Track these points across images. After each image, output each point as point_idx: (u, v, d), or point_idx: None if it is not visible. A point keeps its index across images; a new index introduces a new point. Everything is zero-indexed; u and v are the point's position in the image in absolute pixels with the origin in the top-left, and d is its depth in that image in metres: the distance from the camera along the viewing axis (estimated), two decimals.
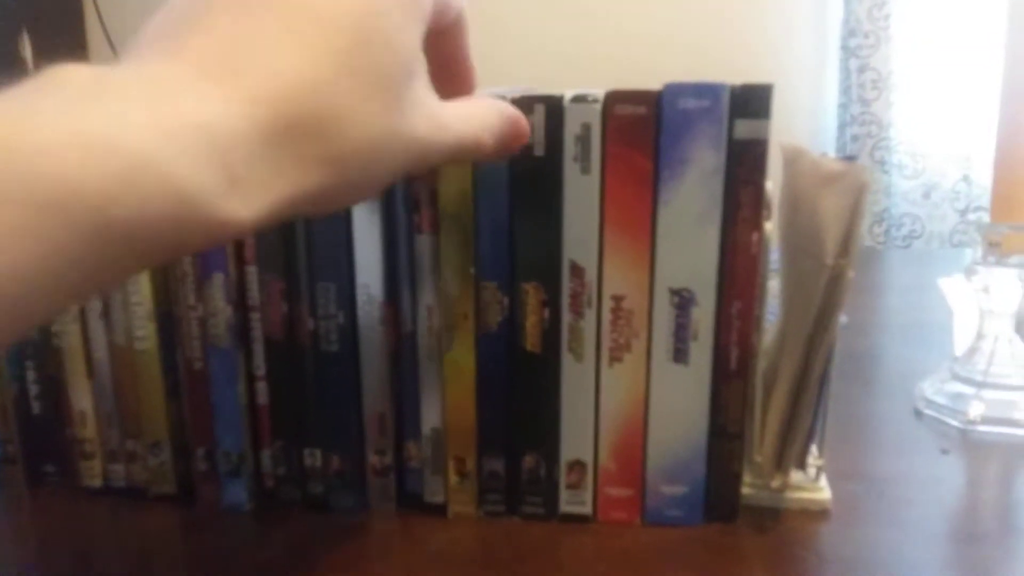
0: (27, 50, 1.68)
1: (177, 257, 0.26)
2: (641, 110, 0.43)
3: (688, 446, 0.48)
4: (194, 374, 0.50)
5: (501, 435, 0.49)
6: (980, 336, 0.65)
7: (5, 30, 1.65)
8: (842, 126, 1.76)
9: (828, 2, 1.77)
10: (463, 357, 0.48)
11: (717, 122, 0.43)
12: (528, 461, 0.49)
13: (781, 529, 0.49)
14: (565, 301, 0.46)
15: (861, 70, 1.69)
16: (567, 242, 0.45)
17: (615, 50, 1.77)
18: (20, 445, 0.54)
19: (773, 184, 0.46)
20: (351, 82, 0.28)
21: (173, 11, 0.29)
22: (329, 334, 0.48)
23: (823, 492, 0.51)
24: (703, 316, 0.45)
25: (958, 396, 0.64)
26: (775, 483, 0.49)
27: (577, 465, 0.49)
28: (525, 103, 0.44)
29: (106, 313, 0.50)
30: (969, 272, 0.63)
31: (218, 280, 0.48)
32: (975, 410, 0.62)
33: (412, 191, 0.46)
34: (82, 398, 0.52)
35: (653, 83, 0.44)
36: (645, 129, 0.43)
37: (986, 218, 0.57)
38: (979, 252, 0.62)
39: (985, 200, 1.63)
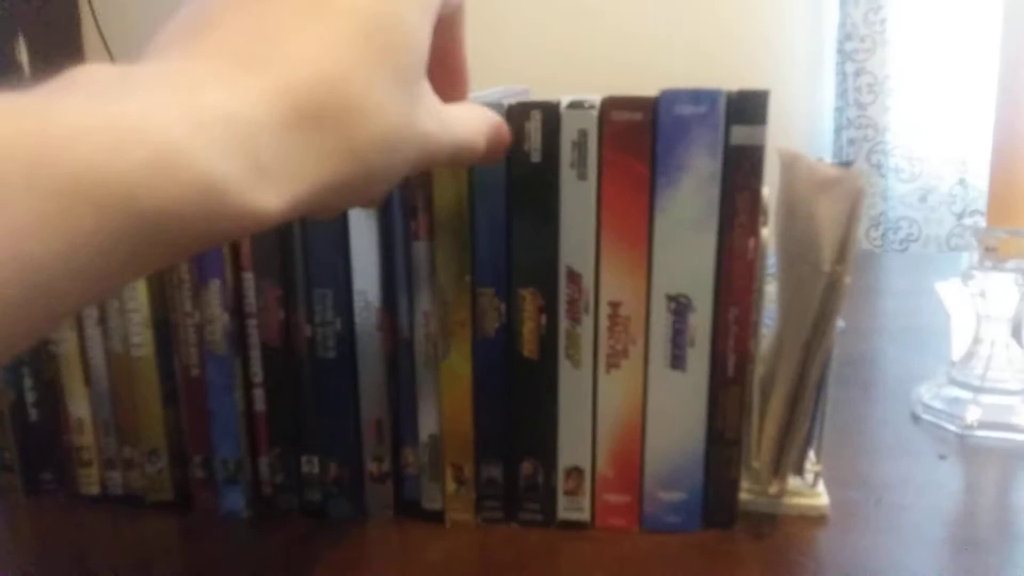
0: (23, 55, 1.68)
1: (205, 248, 0.26)
2: (637, 116, 0.43)
3: (686, 452, 0.48)
4: (191, 381, 0.50)
5: (499, 441, 0.49)
6: (977, 341, 0.65)
7: (2, 35, 1.65)
8: (838, 130, 1.77)
9: (824, 6, 1.77)
10: (460, 365, 0.48)
11: (713, 128, 0.43)
12: (526, 468, 0.49)
13: (779, 535, 0.49)
14: (562, 307, 0.46)
15: (857, 74, 1.69)
16: (564, 248, 0.45)
17: (612, 53, 1.77)
18: (17, 453, 0.54)
19: (769, 190, 0.46)
20: (371, 74, 0.28)
21: (187, 14, 0.29)
22: (326, 341, 0.48)
23: (821, 498, 0.51)
24: (700, 322, 0.45)
25: (955, 401, 0.64)
26: (773, 489, 0.49)
27: (575, 472, 0.49)
28: (521, 109, 0.44)
29: (103, 320, 0.50)
30: (966, 277, 0.63)
31: (215, 287, 0.48)
32: (972, 415, 0.62)
33: (409, 197, 0.46)
34: (79, 405, 0.52)
35: (650, 86, 0.44)
36: (642, 135, 0.43)
37: (982, 222, 0.57)
38: (975, 257, 0.62)
39: (982, 203, 1.63)
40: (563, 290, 0.46)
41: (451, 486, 0.50)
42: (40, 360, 0.52)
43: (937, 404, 0.64)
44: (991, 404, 0.62)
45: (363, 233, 0.46)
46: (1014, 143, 0.60)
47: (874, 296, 1.13)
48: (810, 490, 0.51)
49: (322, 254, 0.47)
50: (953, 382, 0.65)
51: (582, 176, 0.44)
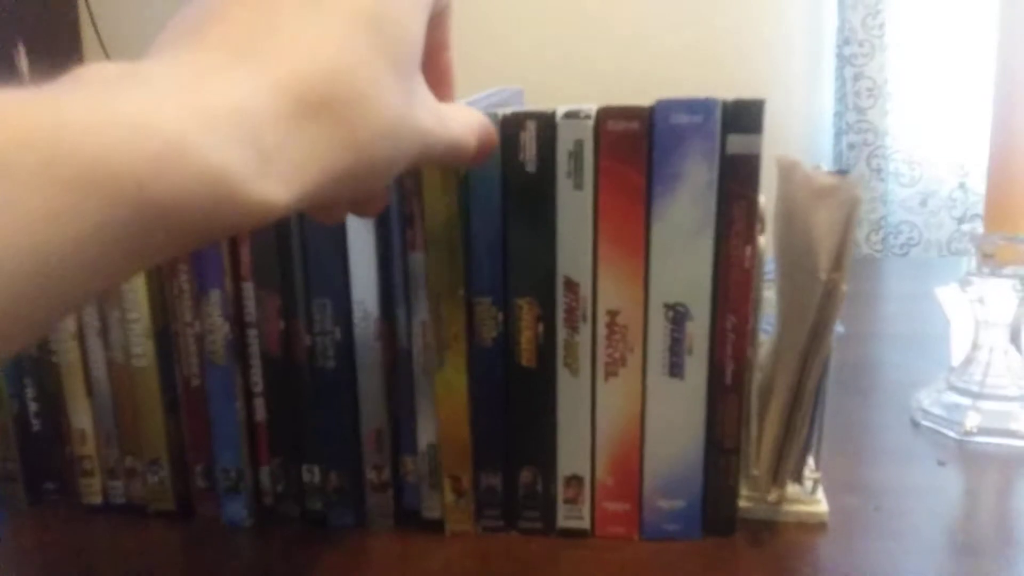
0: (23, 62, 1.68)
1: (214, 240, 0.27)
2: (633, 126, 0.43)
3: (685, 460, 0.48)
4: (192, 391, 0.50)
5: (498, 450, 0.49)
6: (976, 347, 0.65)
7: (2, 42, 1.66)
8: (838, 134, 1.77)
9: (823, 11, 1.77)
10: (455, 377, 0.48)
11: (709, 137, 0.43)
12: (525, 476, 0.49)
13: (778, 542, 0.49)
14: (560, 316, 0.46)
15: (856, 78, 1.69)
16: (561, 257, 0.45)
17: (611, 60, 1.78)
18: (20, 463, 0.54)
19: (766, 198, 0.46)
20: (373, 66, 0.28)
21: (190, 12, 0.29)
22: (326, 350, 0.48)
23: (820, 505, 0.51)
24: (698, 330, 0.46)
25: (954, 407, 0.64)
26: (772, 496, 0.49)
27: (574, 480, 0.49)
28: (517, 119, 0.44)
29: (104, 330, 0.51)
30: (964, 283, 0.63)
31: (215, 297, 0.48)
32: (971, 421, 0.62)
33: (405, 207, 0.46)
34: (81, 416, 0.53)
35: (650, 92, 0.44)
36: (637, 145, 0.43)
37: (981, 226, 0.58)
38: (973, 263, 0.63)
39: (982, 207, 1.63)
40: (561, 299, 0.46)
41: (449, 497, 0.50)
42: (42, 370, 0.52)
43: (936, 410, 0.64)
44: (990, 410, 0.62)
45: (361, 243, 0.47)
46: (1011, 150, 0.60)
47: (874, 301, 1.13)
48: (809, 497, 0.51)
49: (321, 264, 0.47)
50: (952, 388, 0.65)
51: (578, 186, 0.44)
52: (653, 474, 0.48)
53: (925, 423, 0.65)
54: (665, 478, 0.48)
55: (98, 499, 0.54)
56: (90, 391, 0.52)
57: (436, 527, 0.50)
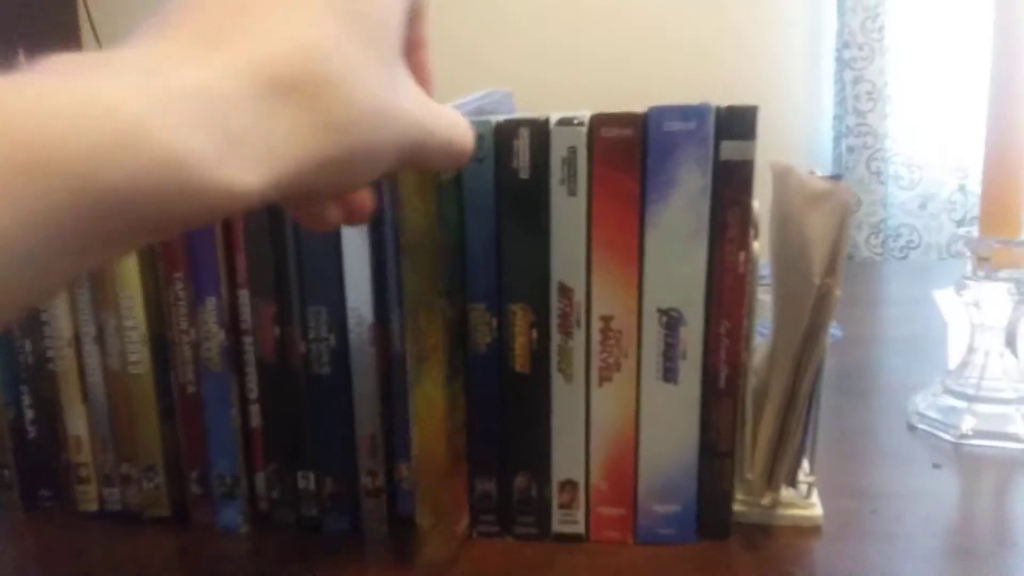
0: (22, 65, 1.68)
1: (184, 228, 0.25)
2: (627, 132, 0.43)
3: (679, 465, 0.48)
4: (188, 398, 0.50)
5: (492, 456, 0.49)
6: (972, 350, 0.65)
7: (1, 44, 1.66)
8: (838, 138, 1.77)
9: (822, 14, 1.78)
10: (434, 391, 0.45)
11: (703, 144, 0.43)
12: (520, 481, 0.49)
13: (773, 546, 0.49)
14: (554, 322, 0.46)
15: (856, 82, 1.70)
16: (555, 264, 0.46)
17: (610, 63, 1.78)
18: (16, 470, 0.54)
19: (760, 203, 0.46)
20: (349, 48, 0.27)
21: (167, 7, 0.28)
22: (321, 357, 0.48)
23: (814, 508, 0.51)
24: (692, 336, 0.46)
25: (950, 410, 0.64)
26: (766, 500, 0.50)
27: (569, 485, 0.49)
28: (510, 127, 0.44)
29: (100, 338, 0.51)
30: (959, 286, 0.63)
31: (211, 304, 0.48)
32: (967, 424, 0.62)
33: (398, 213, 0.46)
34: (77, 422, 0.53)
35: (649, 96, 0.45)
36: (631, 151, 0.44)
37: (975, 231, 0.57)
38: (969, 266, 0.63)
39: None
40: (555, 305, 0.46)
41: (427, 520, 0.47)
42: (39, 377, 0.52)
43: (932, 413, 0.64)
44: (986, 413, 0.62)
45: (355, 250, 0.47)
46: (1005, 153, 0.60)
47: (874, 305, 1.13)
48: (804, 501, 0.51)
49: (316, 271, 0.47)
50: (948, 391, 0.65)
51: (572, 192, 0.44)
52: (648, 478, 0.48)
53: (921, 426, 0.65)
54: (660, 482, 0.48)
55: (94, 506, 0.54)
56: (86, 398, 0.52)
57: None
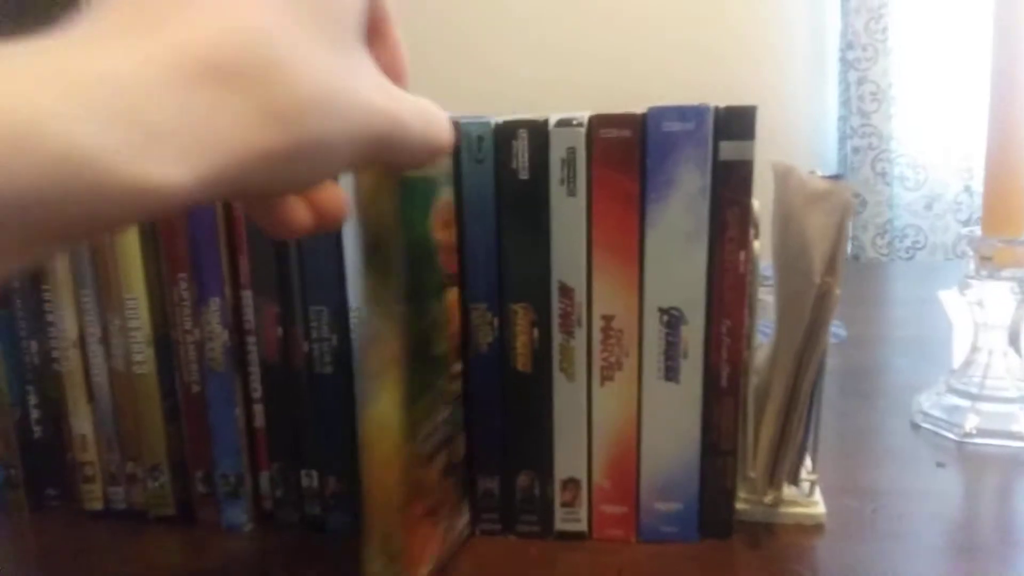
0: None
1: (107, 229, 0.22)
2: (625, 133, 0.44)
3: (681, 463, 0.48)
4: (192, 398, 0.51)
5: (495, 454, 0.49)
6: (975, 349, 0.65)
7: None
8: (842, 139, 1.77)
9: (825, 15, 1.77)
10: (388, 413, 0.40)
11: (702, 144, 0.43)
12: (523, 480, 0.49)
13: (776, 544, 0.49)
14: (555, 321, 0.47)
15: (860, 82, 1.69)
16: (555, 263, 0.46)
17: (612, 64, 1.78)
18: (22, 469, 0.55)
19: (760, 203, 0.46)
20: (294, 32, 0.25)
21: None
22: (323, 357, 0.49)
23: (817, 507, 0.51)
24: (693, 335, 0.46)
25: (954, 409, 0.64)
26: (768, 498, 0.50)
27: (571, 483, 0.49)
28: (509, 128, 0.44)
29: (105, 338, 0.51)
30: (963, 286, 0.63)
31: (215, 305, 0.49)
32: (971, 423, 0.62)
33: None
34: (83, 422, 0.53)
35: (653, 97, 0.45)
36: (630, 152, 0.44)
37: (978, 231, 0.58)
38: (972, 266, 0.63)
39: None
40: (556, 304, 0.46)
41: (375, 566, 0.41)
42: (44, 378, 0.53)
43: (936, 412, 0.64)
44: (989, 412, 0.62)
45: (357, 250, 0.47)
46: (1007, 152, 0.60)
47: (879, 305, 1.13)
48: (806, 499, 0.51)
49: (318, 272, 0.48)
50: (952, 390, 0.65)
51: (571, 192, 0.45)
52: (650, 477, 0.48)
53: (925, 425, 0.65)
54: (662, 481, 0.48)
55: (99, 505, 0.54)
56: (91, 398, 0.53)
57: None
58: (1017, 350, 0.64)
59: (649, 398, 0.47)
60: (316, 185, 0.30)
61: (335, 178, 0.33)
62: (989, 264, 0.61)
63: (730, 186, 0.44)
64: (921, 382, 0.71)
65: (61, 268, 0.51)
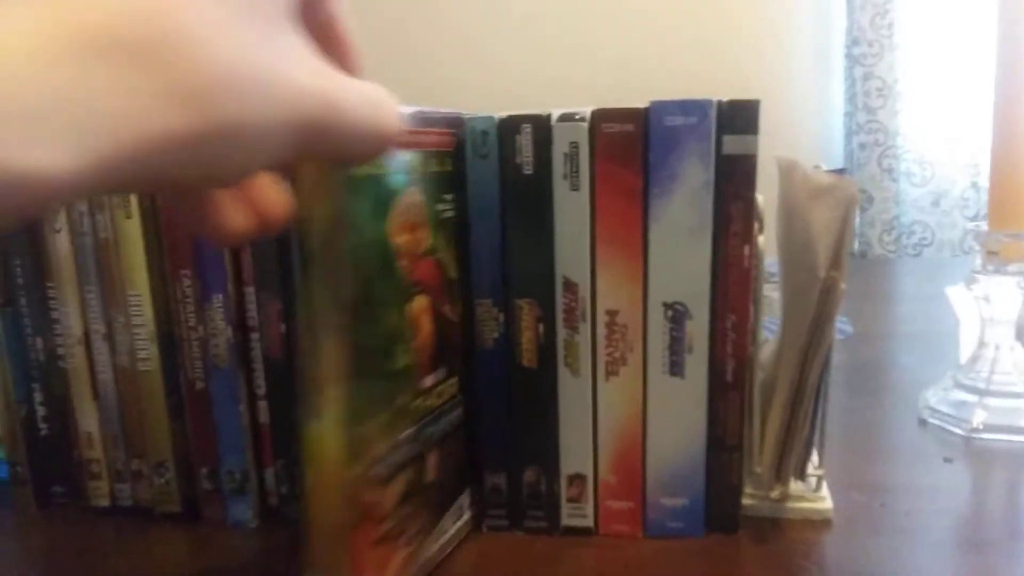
0: None
1: None
2: (628, 128, 0.44)
3: (687, 458, 0.48)
4: (196, 394, 0.51)
5: (502, 450, 0.49)
6: (982, 344, 0.65)
7: None
8: (849, 135, 1.76)
9: (831, 11, 1.77)
10: (329, 433, 0.37)
11: (705, 138, 0.43)
12: (529, 476, 0.49)
13: (782, 539, 0.49)
14: (560, 317, 0.46)
15: (866, 78, 1.69)
16: (559, 258, 0.46)
17: (616, 60, 1.78)
18: (29, 466, 0.55)
19: (764, 198, 0.46)
20: (210, 4, 0.23)
21: None
22: None
23: (824, 502, 0.51)
24: (697, 329, 0.46)
25: (961, 404, 0.63)
26: (775, 493, 0.50)
27: (577, 479, 0.49)
28: (513, 122, 0.44)
29: (110, 335, 0.51)
30: (969, 281, 0.63)
31: (218, 301, 0.49)
32: (978, 418, 0.62)
33: None
34: (88, 419, 0.53)
35: (658, 93, 0.45)
36: (633, 146, 0.44)
37: (984, 226, 0.57)
38: (978, 261, 0.62)
39: None
40: (560, 299, 0.46)
41: None
42: (50, 375, 0.53)
43: (943, 408, 0.64)
44: (997, 407, 0.62)
45: None
46: (1012, 147, 0.60)
47: (886, 301, 1.13)
48: (813, 494, 0.51)
49: None
50: (959, 386, 0.65)
51: (575, 187, 0.44)
52: (656, 472, 0.48)
53: (932, 421, 0.64)
54: (668, 476, 0.48)
55: (106, 502, 0.55)
56: (97, 395, 0.53)
57: None
58: None
59: (654, 393, 0.47)
60: (243, 176, 0.26)
61: (274, 171, 0.31)
62: (995, 259, 0.61)
63: (734, 180, 0.44)
64: (928, 378, 0.71)
65: (65, 265, 0.51)
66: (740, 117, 0.43)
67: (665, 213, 0.44)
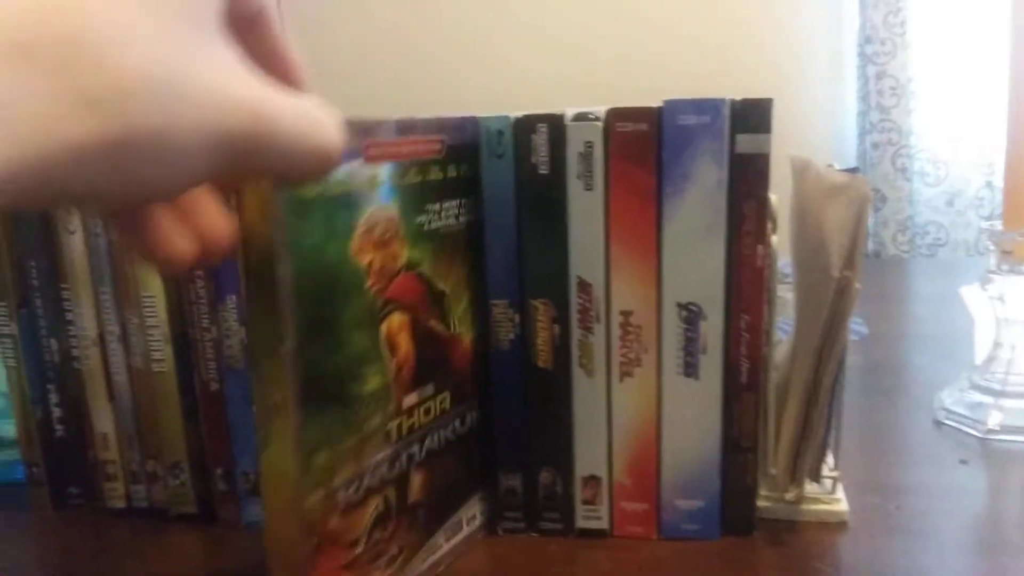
0: None
1: None
2: (642, 127, 0.43)
3: (702, 460, 0.48)
4: (210, 395, 0.51)
5: (517, 451, 0.49)
6: (997, 345, 0.64)
7: None
8: (862, 134, 1.75)
9: (843, 9, 1.76)
10: (283, 459, 0.36)
11: (718, 137, 0.43)
12: (544, 477, 0.49)
13: (798, 541, 0.48)
14: (574, 317, 0.46)
15: (879, 77, 1.68)
16: (574, 258, 0.46)
17: (628, 59, 1.77)
18: (45, 468, 0.55)
19: (778, 197, 0.46)
20: (127, 7, 0.21)
21: None
22: None
23: (840, 504, 0.51)
24: (712, 330, 0.46)
25: (977, 406, 0.63)
26: (790, 495, 0.49)
27: (592, 480, 0.49)
28: (528, 122, 0.44)
29: (124, 336, 0.51)
30: (984, 281, 0.63)
31: (231, 302, 0.49)
32: (994, 419, 0.61)
33: None
34: (104, 421, 0.54)
35: (670, 92, 0.44)
36: (646, 146, 0.44)
37: (999, 225, 0.57)
38: (993, 260, 0.62)
39: None
40: (574, 300, 0.46)
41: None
42: (65, 377, 0.53)
43: (959, 409, 0.64)
44: (1012, 408, 0.61)
45: None
46: None
47: (900, 302, 1.12)
48: (829, 496, 0.51)
49: None
50: (974, 387, 0.64)
51: (589, 187, 0.44)
52: (670, 474, 0.48)
53: (948, 422, 0.64)
54: (682, 478, 0.48)
55: (121, 503, 0.55)
56: (112, 396, 0.53)
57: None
58: None
59: (669, 394, 0.47)
60: (172, 192, 0.24)
61: (216, 193, 0.30)
62: (1010, 258, 0.61)
63: (747, 179, 0.44)
64: (943, 379, 0.70)
65: (80, 266, 0.51)
66: (753, 116, 0.43)
67: (679, 213, 0.44)
